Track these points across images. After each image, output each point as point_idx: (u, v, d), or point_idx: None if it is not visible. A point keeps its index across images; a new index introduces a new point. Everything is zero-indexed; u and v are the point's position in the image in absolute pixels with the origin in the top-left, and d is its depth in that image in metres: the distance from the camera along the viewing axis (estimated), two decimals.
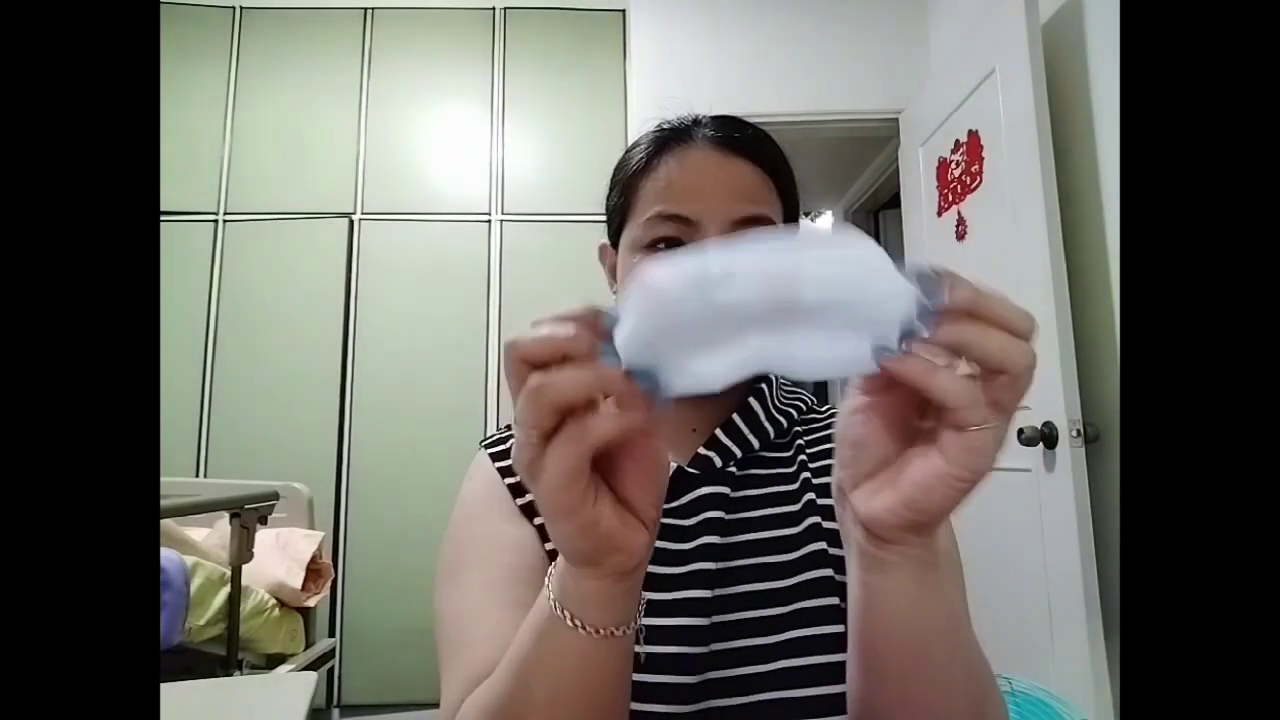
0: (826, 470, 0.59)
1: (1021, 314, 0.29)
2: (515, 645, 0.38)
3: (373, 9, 2.83)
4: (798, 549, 0.53)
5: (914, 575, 0.35)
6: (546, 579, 0.37)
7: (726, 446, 0.57)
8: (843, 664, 0.49)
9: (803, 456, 0.60)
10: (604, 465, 0.32)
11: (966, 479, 0.30)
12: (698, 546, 0.53)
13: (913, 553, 0.34)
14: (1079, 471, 1.54)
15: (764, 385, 0.61)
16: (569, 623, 0.34)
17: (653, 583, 0.52)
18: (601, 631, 0.35)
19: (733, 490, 0.56)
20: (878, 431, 0.33)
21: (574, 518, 0.31)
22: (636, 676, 0.48)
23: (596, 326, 0.30)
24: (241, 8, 2.82)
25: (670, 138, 0.58)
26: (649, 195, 0.56)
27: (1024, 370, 0.29)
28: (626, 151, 0.61)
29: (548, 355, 0.29)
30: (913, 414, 0.33)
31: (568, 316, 0.30)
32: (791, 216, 0.59)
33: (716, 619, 0.50)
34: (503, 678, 0.38)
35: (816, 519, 0.55)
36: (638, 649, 0.48)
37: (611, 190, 0.62)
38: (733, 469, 0.57)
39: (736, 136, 0.57)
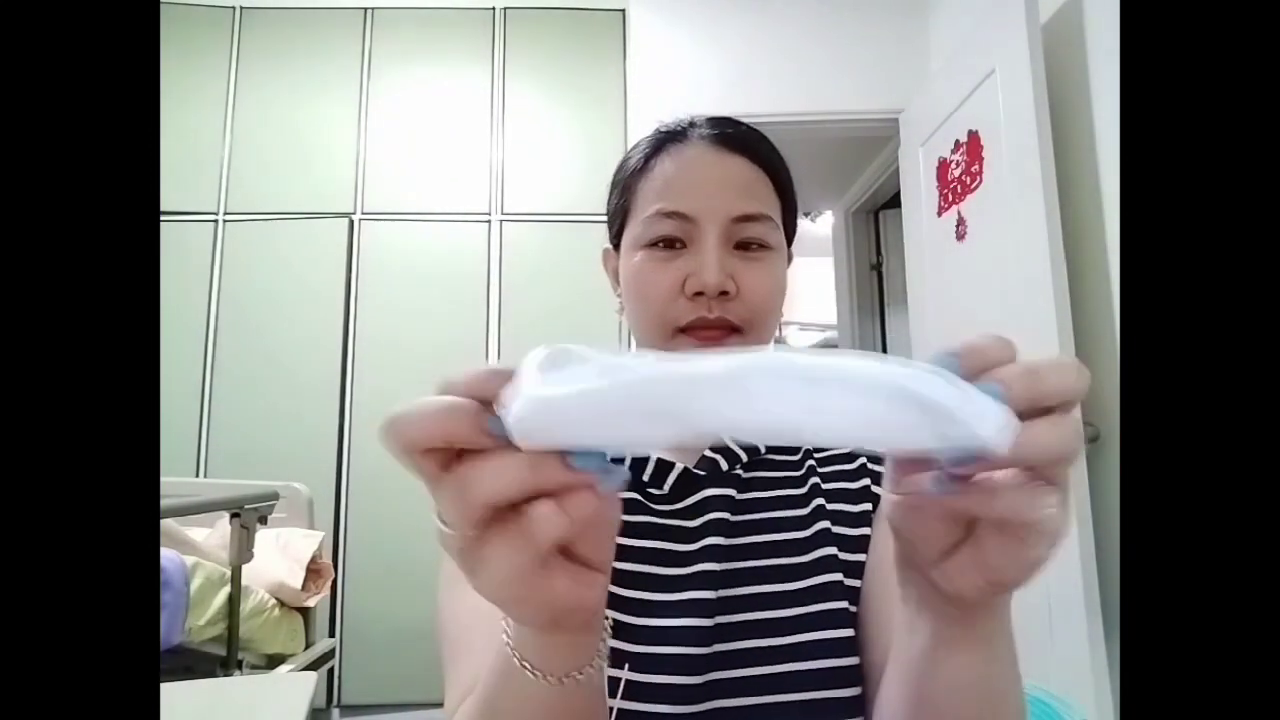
0: (836, 476, 0.59)
1: (1074, 374, 0.26)
2: (483, 683, 0.37)
3: (373, 9, 2.83)
4: (807, 553, 0.53)
5: (996, 624, 0.34)
6: (503, 624, 0.34)
7: (731, 448, 0.57)
8: (850, 669, 0.49)
9: (811, 461, 0.60)
10: None
11: (1051, 551, 0.29)
12: (703, 548, 0.53)
13: (996, 608, 0.33)
14: (1079, 471, 1.54)
15: None
16: (531, 674, 0.33)
17: (657, 584, 0.52)
18: (565, 680, 0.33)
19: (738, 492, 0.56)
20: (938, 525, 0.31)
21: (526, 604, 0.29)
22: (641, 677, 0.48)
23: (497, 391, 0.25)
24: (241, 8, 2.82)
25: (667, 138, 0.59)
26: (648, 194, 0.57)
27: (1079, 448, 0.27)
28: (625, 154, 0.62)
29: (434, 440, 0.25)
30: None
31: (458, 382, 0.25)
32: (789, 213, 0.60)
33: (722, 620, 0.50)
34: (476, 706, 0.37)
35: (826, 524, 0.55)
36: (622, 674, 0.47)
37: (611, 193, 0.62)
38: (739, 471, 0.57)
39: (731, 134, 0.58)
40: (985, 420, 0.24)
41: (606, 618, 0.35)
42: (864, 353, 0.25)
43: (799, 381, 0.24)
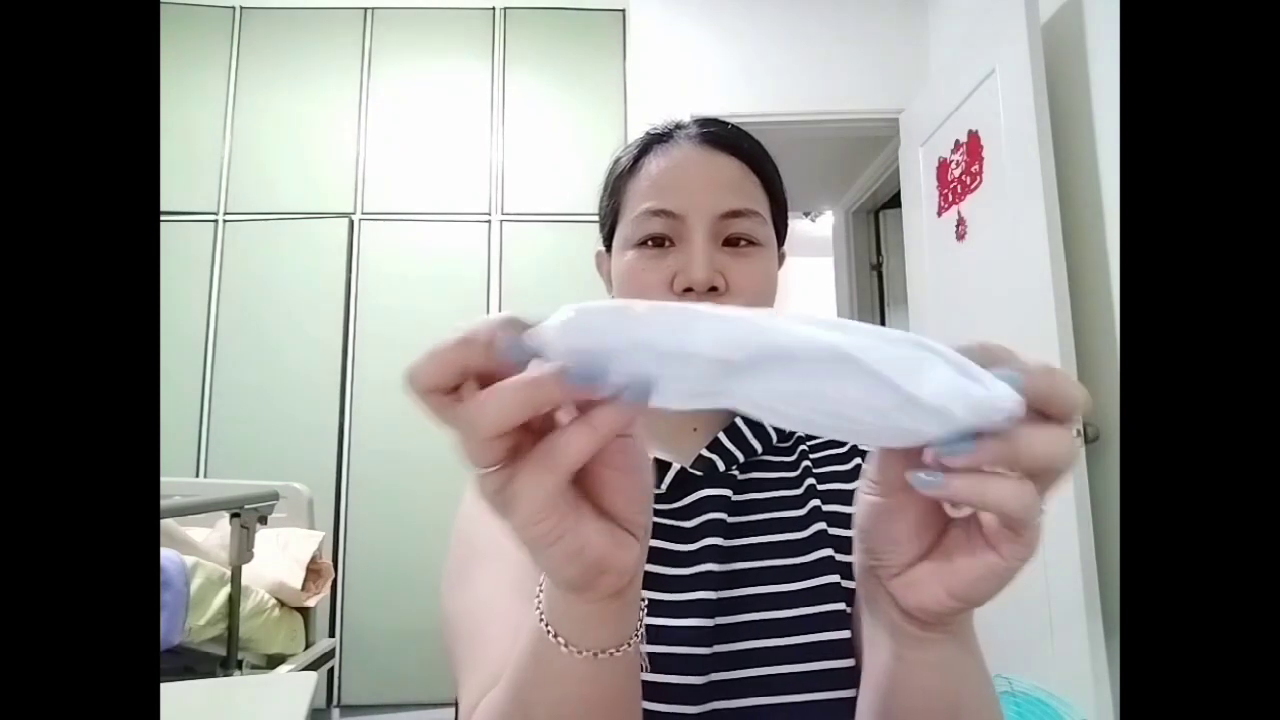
0: (832, 476, 0.59)
1: (1073, 397, 0.27)
2: (513, 665, 0.36)
3: (373, 9, 2.83)
4: (804, 554, 0.54)
5: (954, 646, 0.34)
6: (535, 599, 0.34)
7: (728, 449, 0.57)
8: (848, 670, 0.49)
9: (807, 462, 0.60)
10: (580, 477, 0.29)
11: (1019, 567, 0.28)
12: (703, 548, 0.53)
13: (955, 628, 0.33)
14: (1079, 471, 1.54)
15: None
16: (564, 648, 0.32)
17: (658, 584, 0.52)
18: (600, 654, 0.32)
19: (735, 493, 0.56)
20: (909, 530, 0.31)
21: (557, 546, 0.28)
22: (645, 675, 0.48)
23: (516, 331, 0.26)
24: (241, 8, 2.82)
25: (654, 139, 0.60)
26: (636, 194, 0.57)
27: (1072, 463, 0.27)
28: (615, 157, 0.63)
29: (451, 376, 0.26)
30: (941, 506, 0.31)
31: (476, 328, 0.26)
32: (778, 209, 0.61)
33: (721, 621, 0.50)
34: (504, 696, 0.37)
35: (822, 525, 0.55)
36: (644, 647, 0.47)
37: (602, 195, 0.63)
38: (735, 472, 0.57)
39: (715, 132, 0.58)
40: (1000, 388, 0.25)
41: (642, 599, 0.35)
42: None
43: (824, 326, 0.25)
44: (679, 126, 0.60)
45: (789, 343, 0.24)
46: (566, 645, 0.32)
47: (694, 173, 0.56)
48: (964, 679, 0.35)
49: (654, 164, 0.58)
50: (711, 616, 0.50)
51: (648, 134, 0.61)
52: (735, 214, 0.55)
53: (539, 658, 0.34)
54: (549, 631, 0.32)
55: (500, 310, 2.64)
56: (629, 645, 0.33)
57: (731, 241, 0.55)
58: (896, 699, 0.36)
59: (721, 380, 0.26)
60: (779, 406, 0.26)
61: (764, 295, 0.56)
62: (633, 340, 0.25)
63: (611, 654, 0.32)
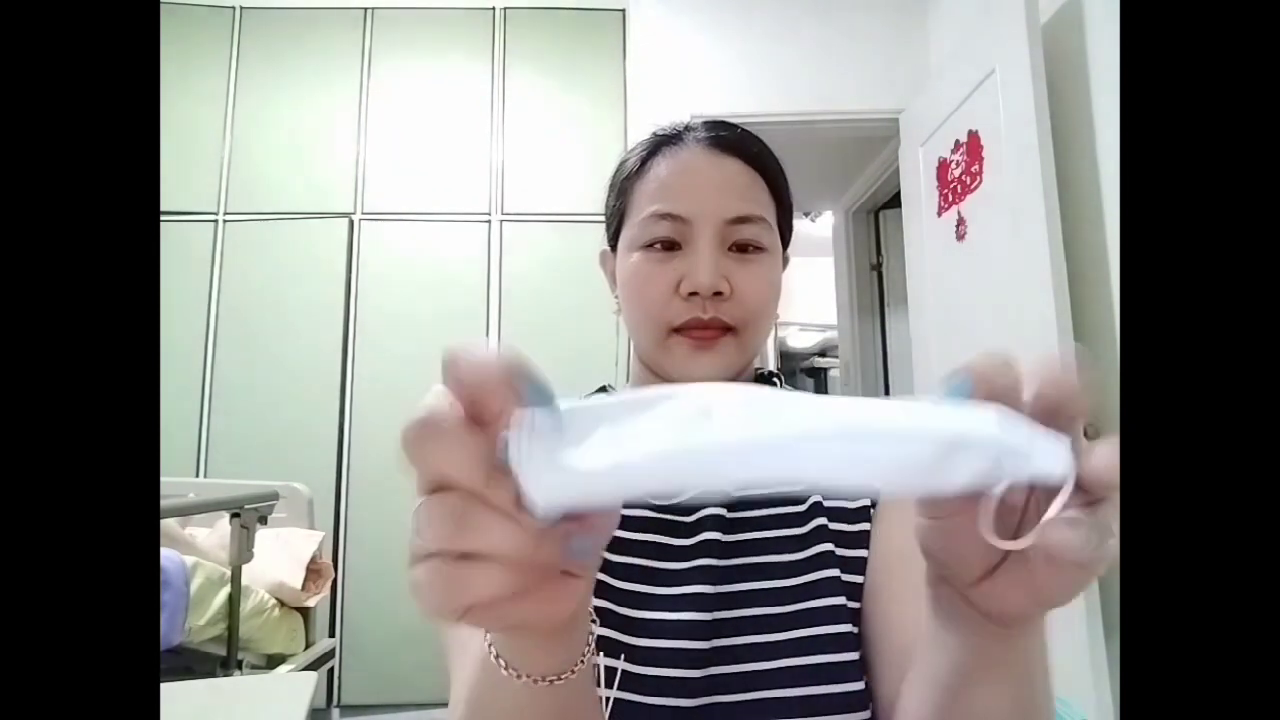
0: None
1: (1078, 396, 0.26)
2: (469, 675, 0.35)
3: (373, 9, 2.83)
4: (803, 549, 0.54)
5: (1034, 636, 0.34)
6: None
7: None
8: (847, 664, 0.49)
9: None
10: None
11: (1102, 569, 0.27)
12: (701, 543, 0.53)
13: (1037, 621, 0.33)
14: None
15: (773, 382, 0.62)
16: (503, 670, 0.31)
17: (656, 579, 0.52)
18: (536, 679, 0.31)
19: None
20: (977, 547, 0.29)
21: (424, 592, 0.25)
22: (641, 670, 0.48)
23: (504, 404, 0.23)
24: (241, 8, 2.82)
25: (662, 141, 0.60)
26: (643, 197, 0.57)
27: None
28: (622, 157, 0.63)
29: (439, 478, 0.24)
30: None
31: (465, 381, 0.23)
32: (784, 215, 0.61)
33: (721, 615, 0.51)
34: (465, 699, 0.36)
35: (822, 520, 0.55)
36: (619, 664, 0.47)
37: (608, 195, 0.63)
38: None
39: (725, 136, 0.58)
40: (1048, 456, 0.24)
41: (590, 632, 0.33)
42: (889, 402, 0.24)
43: (841, 440, 0.23)
44: (687, 129, 0.60)
45: (801, 474, 0.22)
46: (506, 667, 0.31)
47: (702, 177, 0.56)
48: (1042, 666, 0.35)
49: (662, 166, 0.57)
50: (709, 612, 0.50)
51: (655, 135, 0.61)
52: (742, 220, 0.55)
53: (485, 675, 0.33)
54: (491, 651, 0.32)
55: (500, 310, 2.64)
56: (571, 674, 0.32)
57: (738, 247, 0.55)
58: (975, 693, 0.35)
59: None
60: (807, 480, 0.24)
61: (767, 301, 0.56)
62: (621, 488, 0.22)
63: (551, 681, 0.31)
